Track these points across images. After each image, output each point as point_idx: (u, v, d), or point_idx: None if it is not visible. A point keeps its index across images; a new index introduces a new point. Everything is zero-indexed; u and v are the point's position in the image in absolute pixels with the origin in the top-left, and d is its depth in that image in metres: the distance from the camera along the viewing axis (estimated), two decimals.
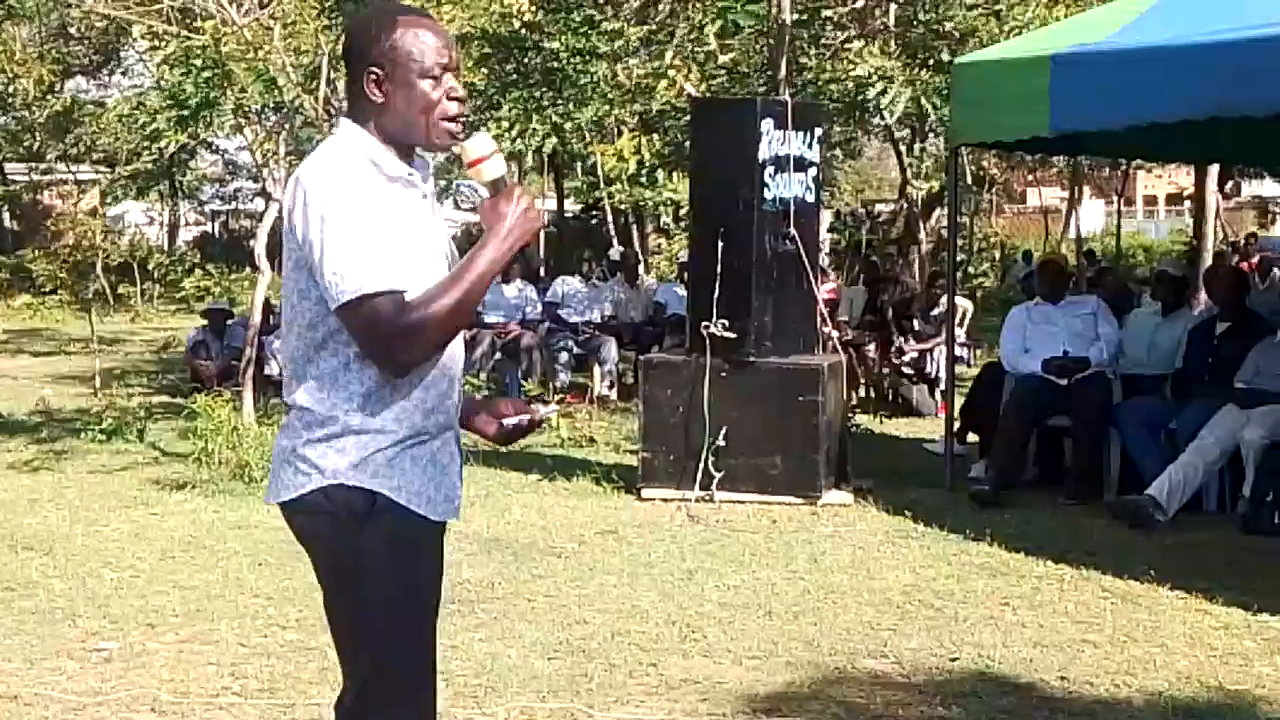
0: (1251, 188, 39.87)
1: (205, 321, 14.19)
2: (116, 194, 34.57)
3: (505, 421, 3.13)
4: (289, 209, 2.85)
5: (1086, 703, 4.95)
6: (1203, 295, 10.87)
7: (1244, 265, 16.73)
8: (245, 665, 5.34)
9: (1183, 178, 36.02)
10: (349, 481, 2.85)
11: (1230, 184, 32.26)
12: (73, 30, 27.45)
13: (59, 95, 27.32)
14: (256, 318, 10.89)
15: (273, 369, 12.64)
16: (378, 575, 2.89)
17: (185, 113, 10.65)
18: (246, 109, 10.73)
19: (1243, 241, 24.52)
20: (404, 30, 2.89)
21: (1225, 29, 7.02)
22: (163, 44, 11.10)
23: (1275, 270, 17.35)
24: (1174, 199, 47.35)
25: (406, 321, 2.76)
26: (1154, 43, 7.42)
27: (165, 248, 31.82)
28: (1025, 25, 10.50)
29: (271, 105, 10.95)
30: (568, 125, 12.35)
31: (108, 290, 20.10)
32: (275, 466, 2.98)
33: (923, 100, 10.48)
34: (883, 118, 14.47)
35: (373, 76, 2.89)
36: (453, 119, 2.93)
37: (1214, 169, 14.61)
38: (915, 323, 12.40)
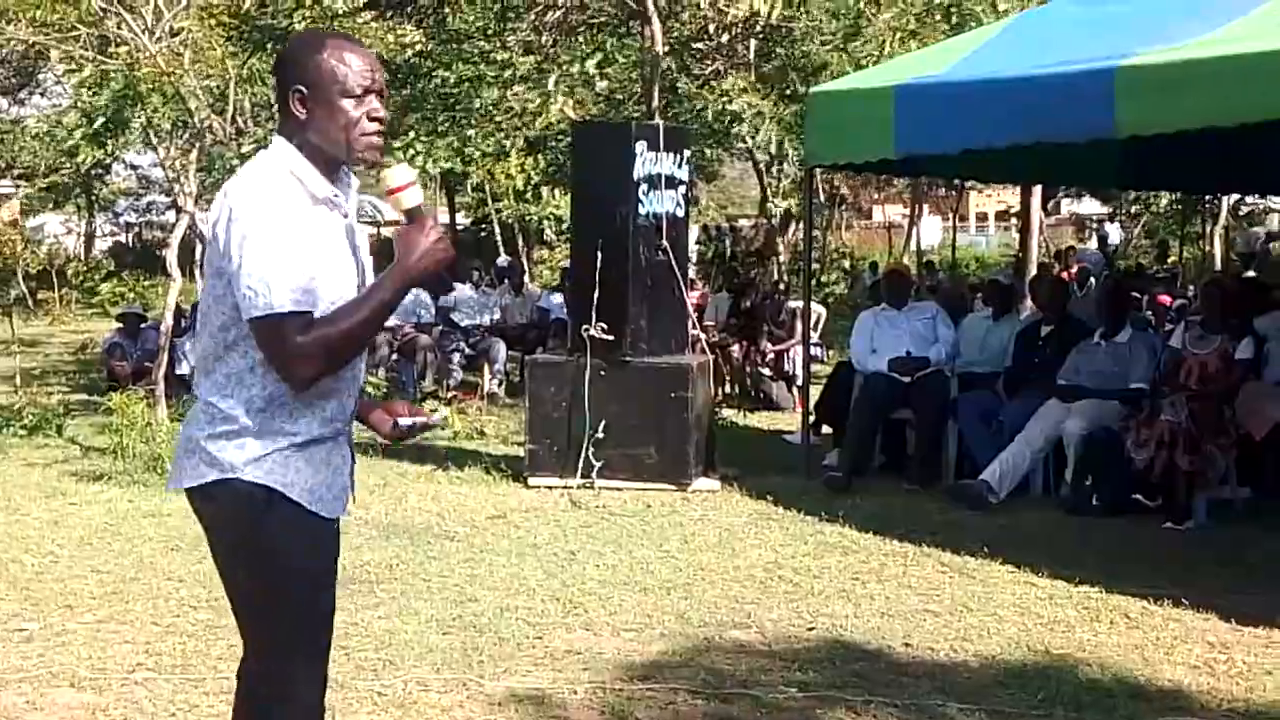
0: (1071, 206, 40.75)
1: (120, 325, 13.90)
2: (35, 206, 33.75)
3: (400, 422, 3.08)
4: (215, 220, 2.79)
5: (928, 666, 5.02)
6: (1029, 302, 11.07)
7: (1065, 275, 17.04)
8: (159, 643, 5.23)
9: (1010, 196, 36.64)
10: (245, 476, 2.83)
11: (1052, 203, 32.93)
12: None
13: None
14: (168, 321, 10.68)
15: (184, 369, 12.40)
16: (274, 562, 2.89)
17: (98, 130, 10.42)
18: (156, 128, 10.51)
19: (1064, 251, 25.01)
20: (330, 52, 2.85)
21: (1048, 64, 7.16)
22: (79, 68, 10.85)
23: (1092, 280, 17.71)
24: (1002, 215, 48.06)
25: (310, 341, 2.73)
26: (986, 76, 7.54)
27: (82, 256, 31.10)
28: (873, 58, 10.62)
29: (182, 125, 10.75)
30: (467, 149, 12.29)
31: (28, 296, 19.57)
32: (179, 454, 2.94)
33: (784, 138, 10.55)
34: (745, 143, 14.53)
35: (298, 94, 2.84)
36: (373, 134, 2.88)
37: (1038, 189, 14.87)
38: (768, 326, 12.52)
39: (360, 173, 3.16)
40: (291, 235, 2.75)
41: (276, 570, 2.88)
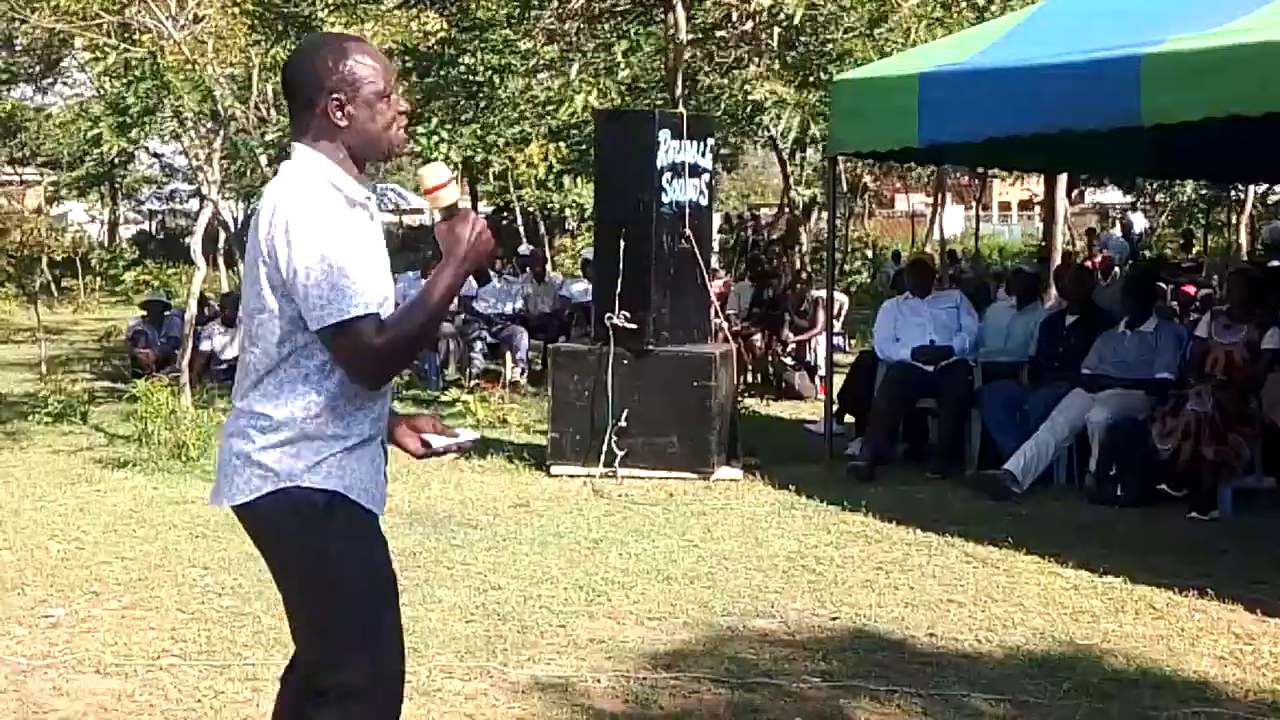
0: (1094, 195, 40.54)
1: (144, 312, 13.99)
2: (60, 194, 33.91)
3: (431, 442, 3.08)
4: (266, 235, 2.79)
5: (952, 656, 5.01)
6: (1053, 291, 11.03)
7: (1089, 264, 16.96)
8: (184, 630, 5.26)
9: (1034, 185, 36.49)
10: (305, 483, 2.83)
11: (1076, 191, 32.75)
12: (18, 42, 26.81)
13: (3, 101, 26.70)
14: (193, 309, 10.74)
15: (207, 345, 12.49)
16: (341, 565, 2.88)
17: (126, 119, 10.45)
18: (184, 117, 10.54)
19: (1086, 237, 24.91)
20: (355, 57, 2.88)
21: (1072, 51, 7.11)
22: (103, 56, 10.88)
23: (1116, 269, 17.64)
24: (1026, 205, 47.96)
25: (386, 342, 2.77)
26: (1010, 63, 7.50)
27: (106, 244, 31.32)
28: (897, 46, 10.55)
29: (207, 113, 10.78)
30: (489, 138, 12.27)
31: (52, 284, 19.73)
32: (225, 470, 2.91)
33: (809, 122, 10.46)
34: (768, 131, 14.48)
35: (336, 101, 2.85)
36: (403, 128, 2.96)
37: (1062, 178, 14.79)
38: (790, 316, 12.49)
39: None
40: (346, 242, 2.77)
41: (346, 573, 2.88)
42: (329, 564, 2.88)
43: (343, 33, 3.07)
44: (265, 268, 2.80)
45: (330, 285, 2.72)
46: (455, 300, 12.25)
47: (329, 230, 2.76)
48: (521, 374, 12.77)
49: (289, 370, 2.84)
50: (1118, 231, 28.74)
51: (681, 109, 10.67)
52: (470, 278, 3.05)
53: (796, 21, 10.73)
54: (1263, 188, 25.18)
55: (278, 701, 3.13)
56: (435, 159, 3.02)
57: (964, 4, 10.59)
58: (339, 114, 2.86)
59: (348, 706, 2.89)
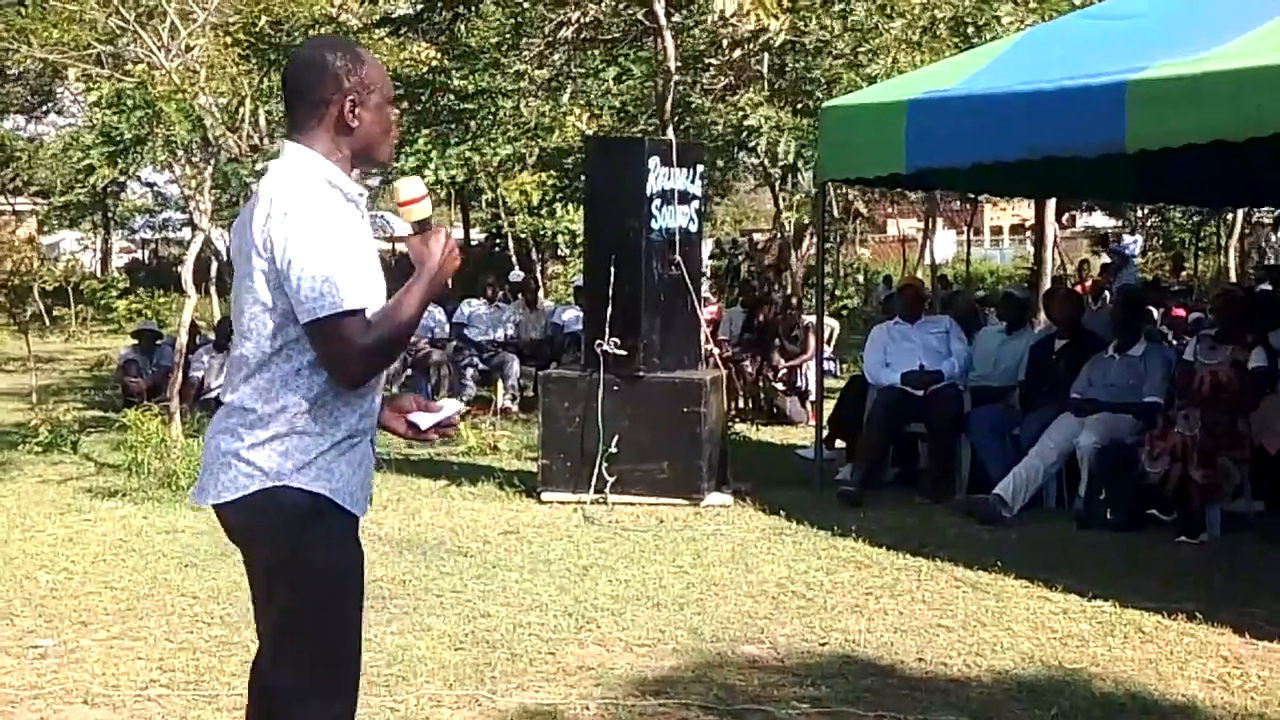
0: (1085, 219, 40.67)
1: (135, 341, 13.98)
2: (52, 223, 33.92)
3: (419, 424, 3.10)
4: (263, 227, 2.81)
5: (941, 681, 5.00)
6: (1042, 315, 11.05)
7: (1079, 288, 17.00)
8: (173, 659, 5.25)
9: (1025, 210, 36.57)
10: (293, 483, 2.85)
11: (1066, 216, 32.84)
12: (10, 72, 26.85)
13: None
14: (184, 338, 10.71)
15: (199, 372, 12.47)
16: (321, 574, 2.91)
17: (117, 148, 10.48)
18: (175, 146, 10.57)
19: (1077, 266, 24.95)
20: (369, 63, 2.98)
21: (1061, 78, 7.14)
22: (96, 86, 10.92)
23: (1106, 293, 17.66)
24: (1017, 229, 48.04)
25: (372, 341, 2.82)
26: (998, 90, 7.53)
27: (98, 273, 31.29)
28: (882, 72, 10.59)
29: (198, 142, 10.81)
30: (477, 159, 12.29)
31: (44, 313, 19.69)
32: (212, 468, 2.92)
33: (803, 149, 10.45)
34: (756, 155, 14.50)
35: (351, 102, 2.93)
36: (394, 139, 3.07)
37: (1051, 203, 14.85)
38: (781, 341, 12.50)
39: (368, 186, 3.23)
40: (342, 239, 2.83)
41: (320, 582, 2.91)
42: (305, 570, 2.90)
43: (347, 38, 3.19)
44: (260, 260, 2.82)
45: (324, 279, 2.76)
46: (447, 327, 12.22)
47: (326, 226, 2.81)
48: (512, 400, 12.78)
49: (281, 365, 2.86)
50: (1130, 244, 28.38)
51: (671, 136, 10.71)
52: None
53: (778, 43, 10.76)
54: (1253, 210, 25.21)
55: (249, 701, 3.14)
56: (414, 176, 3.04)
57: (943, 29, 10.62)
58: (351, 115, 2.93)
59: (306, 709, 2.93)
